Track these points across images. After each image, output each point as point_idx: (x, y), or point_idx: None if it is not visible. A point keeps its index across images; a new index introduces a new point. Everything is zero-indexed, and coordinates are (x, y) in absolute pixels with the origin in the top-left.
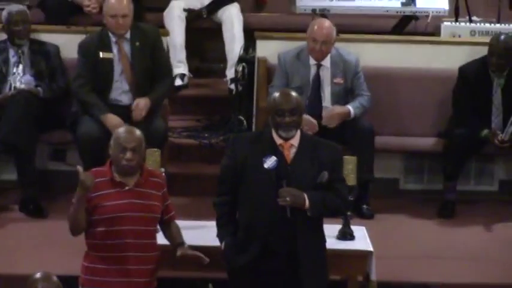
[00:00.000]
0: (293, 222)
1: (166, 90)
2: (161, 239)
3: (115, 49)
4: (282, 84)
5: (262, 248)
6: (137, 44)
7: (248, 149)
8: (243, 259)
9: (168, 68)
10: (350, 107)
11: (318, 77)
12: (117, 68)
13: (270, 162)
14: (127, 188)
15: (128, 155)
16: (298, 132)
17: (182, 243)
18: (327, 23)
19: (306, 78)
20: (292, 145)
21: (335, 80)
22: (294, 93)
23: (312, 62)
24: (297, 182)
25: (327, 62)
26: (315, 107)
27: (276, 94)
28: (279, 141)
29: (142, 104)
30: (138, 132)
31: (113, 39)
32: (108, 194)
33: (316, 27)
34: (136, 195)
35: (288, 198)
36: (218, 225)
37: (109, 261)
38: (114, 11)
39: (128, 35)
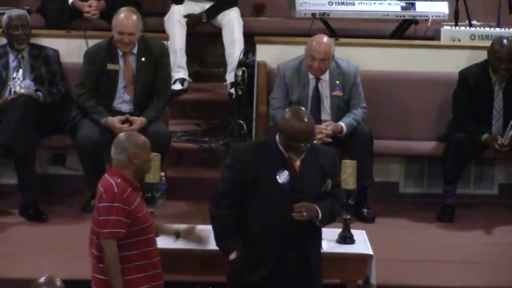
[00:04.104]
0: (304, 233)
1: (160, 108)
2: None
3: (121, 62)
4: (282, 96)
5: (278, 261)
6: (143, 59)
7: (256, 162)
8: (259, 273)
9: (168, 85)
10: (343, 125)
11: (317, 90)
12: (122, 80)
13: (283, 177)
14: (141, 193)
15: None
16: None
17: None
18: (325, 39)
19: (305, 92)
20: None
21: (334, 93)
22: (310, 121)
23: (311, 75)
24: (308, 193)
25: (325, 75)
26: (315, 121)
27: (294, 121)
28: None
29: (137, 124)
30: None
31: (120, 52)
32: (139, 203)
33: (314, 43)
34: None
35: (305, 213)
36: (223, 237)
37: (147, 267)
38: (122, 28)
39: (135, 50)
